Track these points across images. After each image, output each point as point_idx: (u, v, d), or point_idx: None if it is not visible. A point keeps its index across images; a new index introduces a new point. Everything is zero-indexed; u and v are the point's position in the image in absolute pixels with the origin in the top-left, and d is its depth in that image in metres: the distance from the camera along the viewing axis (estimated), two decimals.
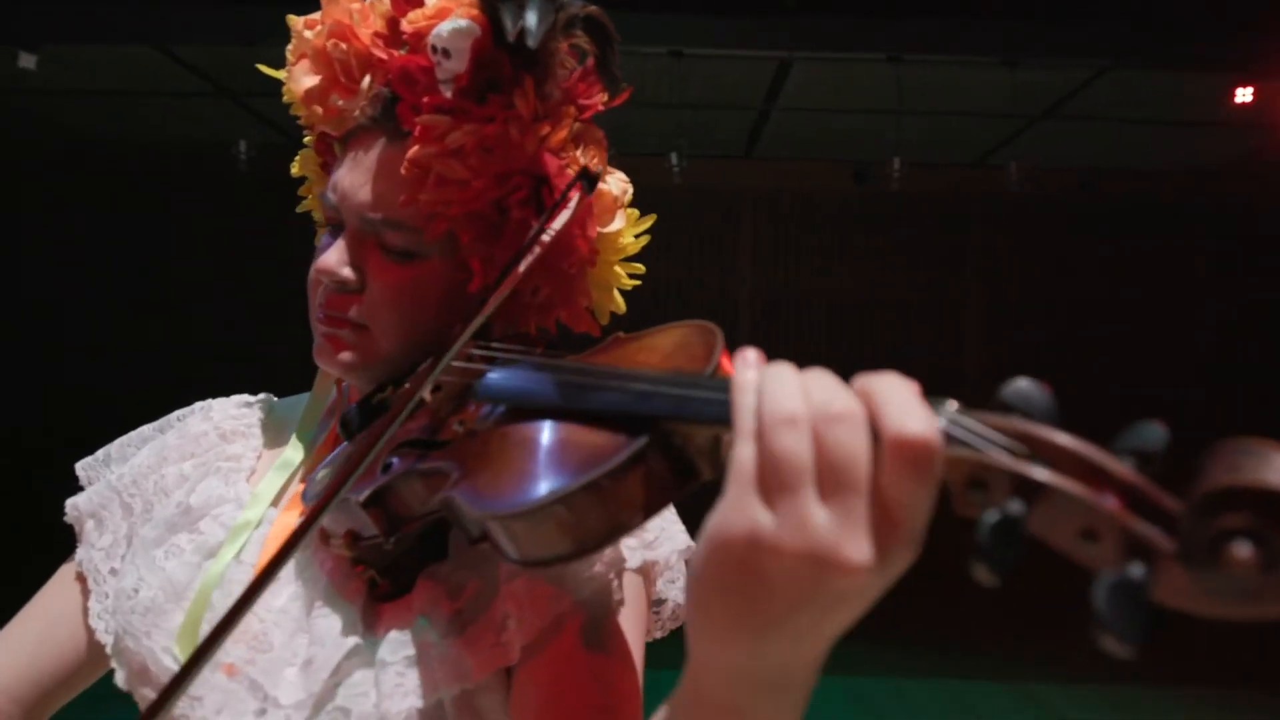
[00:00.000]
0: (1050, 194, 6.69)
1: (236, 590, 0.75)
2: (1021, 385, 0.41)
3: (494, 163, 0.75)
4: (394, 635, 0.71)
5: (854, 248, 7.09)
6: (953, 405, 0.42)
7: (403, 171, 0.76)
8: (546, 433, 0.56)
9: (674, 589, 0.81)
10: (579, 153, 0.78)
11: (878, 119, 5.57)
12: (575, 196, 0.72)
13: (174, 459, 0.87)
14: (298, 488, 0.83)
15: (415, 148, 0.75)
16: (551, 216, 0.69)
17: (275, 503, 0.82)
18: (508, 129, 0.74)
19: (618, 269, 0.84)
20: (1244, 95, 4.92)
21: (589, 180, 0.73)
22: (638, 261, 0.84)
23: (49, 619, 0.85)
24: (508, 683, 0.72)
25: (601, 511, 0.50)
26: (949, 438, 0.41)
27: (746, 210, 7.09)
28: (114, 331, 6.90)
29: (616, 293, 0.84)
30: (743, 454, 0.43)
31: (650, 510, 0.51)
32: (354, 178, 0.79)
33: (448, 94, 0.74)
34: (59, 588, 0.87)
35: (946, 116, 5.68)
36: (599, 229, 0.80)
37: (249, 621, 0.74)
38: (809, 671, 0.47)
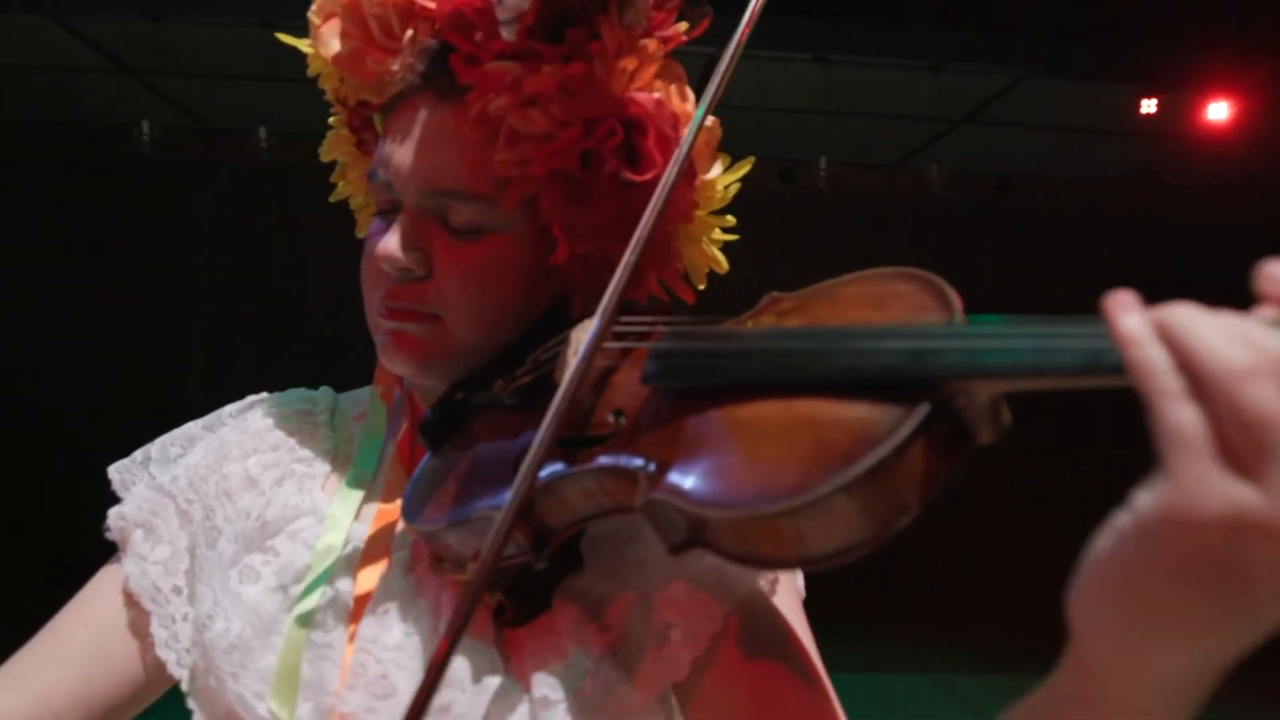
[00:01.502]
0: (970, 197, 6.86)
1: (336, 636, 0.66)
2: None
3: (581, 107, 0.65)
4: (548, 669, 0.62)
5: (781, 245, 7.16)
6: None
7: (469, 132, 0.66)
8: (780, 411, 0.47)
9: None
10: (673, 90, 0.68)
11: (805, 118, 5.61)
12: (684, 136, 0.60)
13: (235, 456, 0.77)
14: (376, 505, 0.73)
15: (481, 102, 0.64)
16: (683, 158, 0.58)
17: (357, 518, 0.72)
18: (592, 67, 0.64)
19: (711, 222, 0.74)
20: (1149, 106, 5.13)
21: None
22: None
23: (100, 636, 0.73)
24: (665, 705, 0.65)
25: (887, 495, 0.43)
26: None
27: None
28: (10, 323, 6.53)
29: (716, 251, 0.74)
30: (1181, 418, 0.36)
31: (930, 486, 0.44)
32: (407, 149, 0.68)
33: (510, 36, 0.63)
34: (104, 600, 0.75)
35: (872, 118, 5.76)
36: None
37: (363, 660, 0.65)
38: (1222, 668, 0.41)
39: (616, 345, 0.59)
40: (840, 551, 0.44)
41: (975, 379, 0.43)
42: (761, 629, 0.66)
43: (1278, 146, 5.08)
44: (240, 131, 5.42)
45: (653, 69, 0.67)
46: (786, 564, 0.46)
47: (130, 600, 0.74)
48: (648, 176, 0.65)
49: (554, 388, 0.56)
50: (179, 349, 6.18)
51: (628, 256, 0.53)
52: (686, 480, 0.47)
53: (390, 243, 0.68)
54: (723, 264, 0.75)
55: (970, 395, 0.44)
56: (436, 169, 0.67)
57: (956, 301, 0.47)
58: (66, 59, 5.21)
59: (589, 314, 0.66)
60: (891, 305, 0.50)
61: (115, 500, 0.79)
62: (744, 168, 0.74)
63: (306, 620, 0.66)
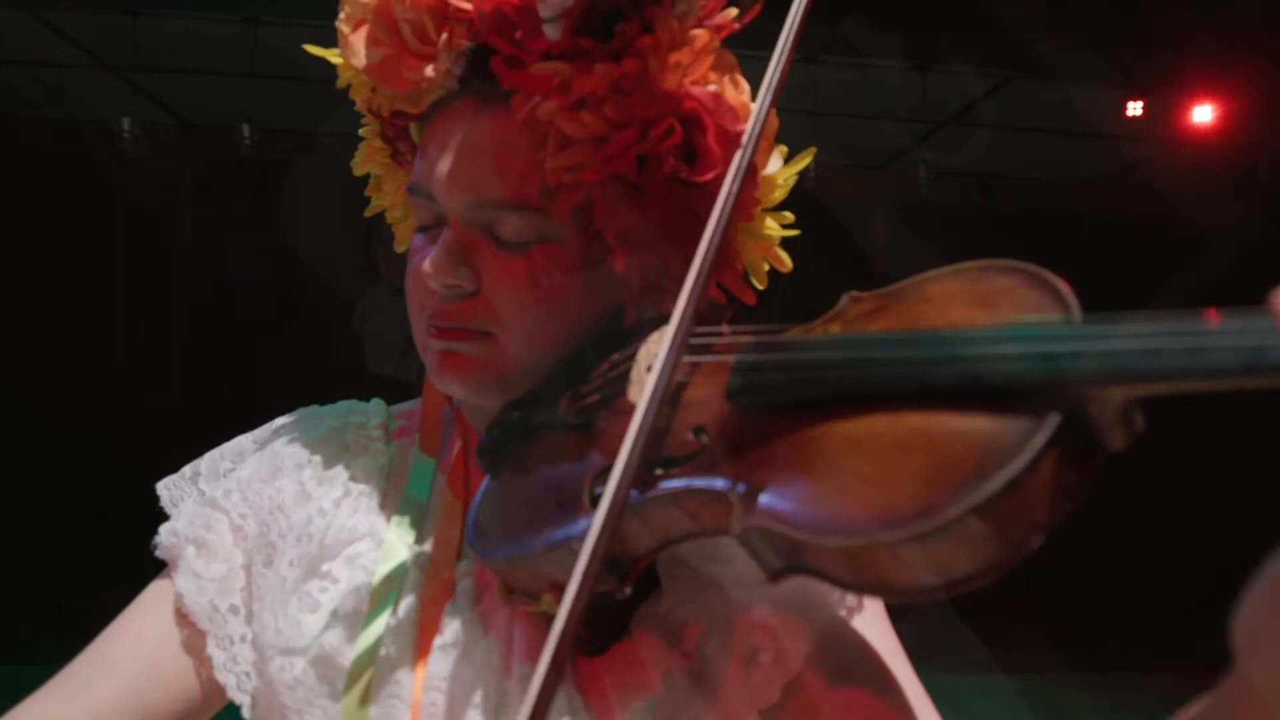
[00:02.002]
0: (955, 199, 6.89)
1: (404, 674, 0.63)
2: None
3: (635, 107, 0.61)
4: (636, 705, 0.59)
5: None
6: None
7: (515, 139, 0.62)
8: (889, 425, 0.43)
9: None
10: (726, 81, 0.64)
11: (791, 119, 5.62)
12: (745, 130, 0.57)
13: (288, 469, 0.74)
14: (433, 530, 0.70)
15: (527, 106, 0.61)
16: (749, 156, 0.55)
17: (415, 542, 0.69)
18: (645, 63, 0.60)
19: (769, 219, 0.71)
20: (1135, 109, 5.17)
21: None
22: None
23: (153, 652, 0.71)
24: None
25: (1020, 513, 0.40)
26: None
27: None
28: None
29: (778, 248, 0.71)
30: None
31: (1063, 500, 0.40)
32: (449, 161, 0.65)
33: (554, 35, 0.60)
34: (156, 615, 0.73)
35: (857, 119, 5.78)
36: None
37: (434, 699, 0.63)
38: None
39: (693, 359, 0.55)
40: (967, 577, 0.41)
41: (1113, 384, 0.40)
42: (847, 650, 0.63)
43: (1262, 149, 5.12)
44: (222, 129, 5.36)
45: (708, 61, 0.63)
46: (905, 593, 0.42)
47: (183, 618, 0.72)
48: (709, 177, 0.62)
49: (623, 405, 0.53)
50: (158, 348, 6.11)
51: (699, 264, 0.50)
52: (788, 504, 0.44)
53: (437, 260, 0.65)
54: (786, 263, 0.72)
55: (1104, 401, 0.41)
56: (482, 180, 0.64)
57: (1071, 296, 0.43)
58: (43, 53, 5.15)
59: (646, 322, 0.64)
60: (997, 303, 0.47)
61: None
62: (804, 159, 0.71)
63: (371, 657, 0.64)
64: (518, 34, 0.61)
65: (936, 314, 0.49)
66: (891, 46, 4.85)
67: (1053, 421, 0.40)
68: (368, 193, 0.79)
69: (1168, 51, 4.69)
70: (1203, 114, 5.09)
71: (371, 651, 0.64)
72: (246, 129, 5.25)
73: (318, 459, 0.75)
